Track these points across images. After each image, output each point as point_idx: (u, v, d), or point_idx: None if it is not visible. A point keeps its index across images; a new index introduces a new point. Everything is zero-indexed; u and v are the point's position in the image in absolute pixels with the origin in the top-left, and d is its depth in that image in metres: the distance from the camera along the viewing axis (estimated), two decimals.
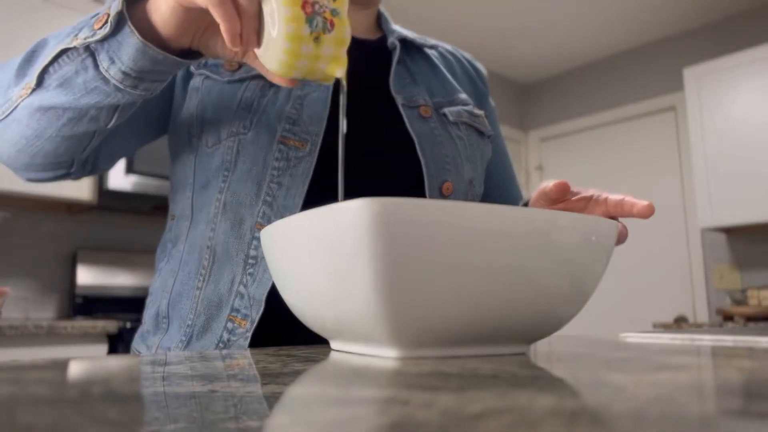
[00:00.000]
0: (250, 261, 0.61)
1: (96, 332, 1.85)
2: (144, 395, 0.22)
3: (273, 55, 0.46)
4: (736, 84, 2.88)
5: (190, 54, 0.56)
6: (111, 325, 1.86)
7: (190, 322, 0.62)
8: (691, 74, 3.04)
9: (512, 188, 0.88)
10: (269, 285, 0.60)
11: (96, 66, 0.51)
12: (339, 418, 0.17)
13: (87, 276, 2.32)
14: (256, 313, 0.59)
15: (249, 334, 0.59)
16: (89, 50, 0.51)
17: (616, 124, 3.76)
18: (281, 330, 0.61)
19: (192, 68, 0.68)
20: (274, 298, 0.60)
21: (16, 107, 0.56)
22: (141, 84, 0.53)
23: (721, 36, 3.31)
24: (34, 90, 0.54)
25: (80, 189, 2.14)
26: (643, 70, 3.63)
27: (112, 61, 0.51)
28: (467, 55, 0.89)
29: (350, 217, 0.33)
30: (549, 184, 0.57)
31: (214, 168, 0.64)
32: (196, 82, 0.67)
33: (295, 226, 0.38)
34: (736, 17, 3.27)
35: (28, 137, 0.58)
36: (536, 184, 4.11)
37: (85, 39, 0.50)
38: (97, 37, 0.50)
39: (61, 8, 2.19)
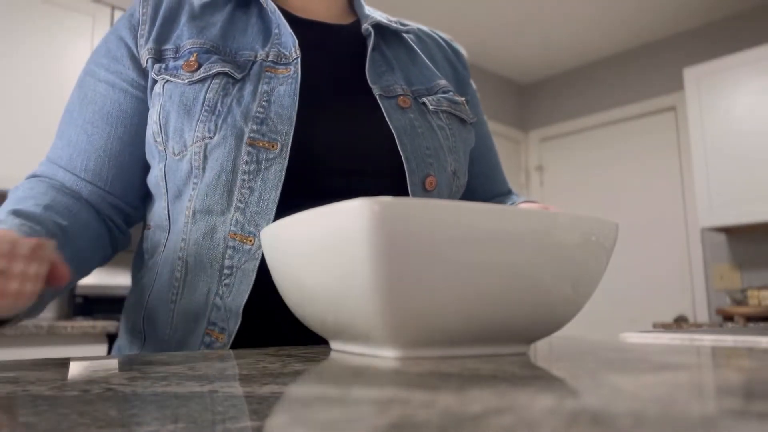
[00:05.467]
0: (226, 271, 0.58)
1: (96, 332, 1.85)
2: (144, 395, 0.22)
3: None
4: (736, 84, 2.89)
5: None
6: (111, 325, 1.86)
7: (166, 337, 0.59)
8: (691, 74, 3.04)
9: (496, 176, 0.85)
10: (246, 296, 0.57)
11: None
12: (339, 418, 0.17)
13: (87, 276, 2.32)
14: (234, 326, 0.57)
15: (227, 348, 0.57)
16: None
17: (616, 124, 3.76)
18: (259, 342, 0.59)
19: (153, 74, 0.64)
20: (251, 309, 0.58)
21: None
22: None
23: (721, 36, 3.31)
24: None
25: None
26: (643, 70, 3.63)
27: None
28: (445, 36, 0.85)
29: (350, 217, 0.33)
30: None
31: (183, 176, 0.61)
32: (157, 88, 0.64)
33: (295, 226, 0.38)
34: (736, 17, 3.27)
35: None
36: (536, 184, 4.11)
37: None
38: None
39: (61, 8, 2.19)
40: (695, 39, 3.42)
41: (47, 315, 2.32)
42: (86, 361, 0.35)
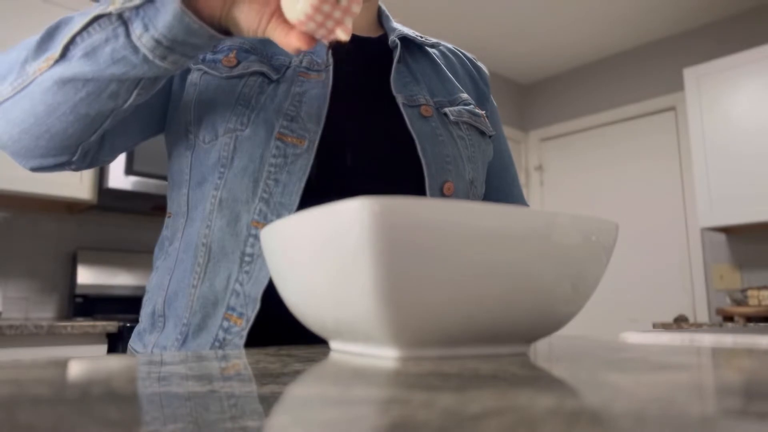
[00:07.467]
0: (246, 258, 0.61)
1: (96, 332, 1.85)
2: (144, 395, 0.22)
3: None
4: (736, 84, 2.88)
5: (220, 30, 0.55)
6: (111, 325, 1.86)
7: (185, 321, 0.62)
8: (691, 74, 3.04)
9: (513, 191, 0.88)
10: (265, 283, 0.59)
11: (128, 34, 0.51)
12: (339, 418, 0.17)
13: (87, 276, 2.32)
14: (252, 312, 0.59)
15: (245, 333, 0.59)
16: (122, 19, 0.51)
17: (616, 124, 3.76)
18: (276, 329, 0.61)
19: (190, 63, 0.67)
20: (269, 296, 0.60)
21: (31, 82, 0.55)
22: (170, 55, 0.52)
23: (721, 36, 3.31)
24: (56, 62, 0.53)
25: (80, 189, 2.14)
26: (643, 70, 3.63)
27: (146, 29, 0.50)
28: (469, 54, 0.89)
29: (350, 216, 0.33)
30: None
31: (211, 164, 0.64)
32: (194, 77, 0.67)
33: (295, 226, 0.38)
34: (736, 17, 3.27)
35: (38, 114, 0.56)
36: (536, 184, 4.11)
37: (122, 4, 0.50)
38: (136, 1, 0.50)
39: (62, 8, 2.19)
40: (695, 39, 3.42)
41: (47, 315, 2.32)
42: (86, 361, 0.35)
